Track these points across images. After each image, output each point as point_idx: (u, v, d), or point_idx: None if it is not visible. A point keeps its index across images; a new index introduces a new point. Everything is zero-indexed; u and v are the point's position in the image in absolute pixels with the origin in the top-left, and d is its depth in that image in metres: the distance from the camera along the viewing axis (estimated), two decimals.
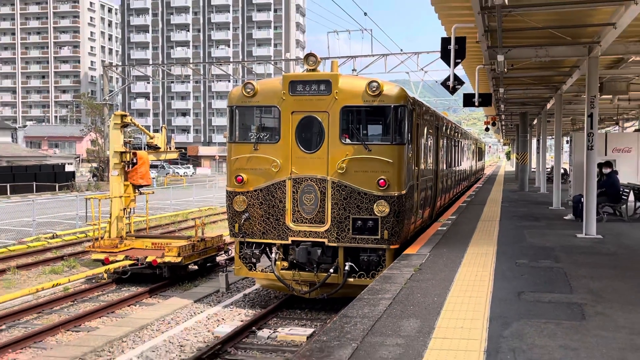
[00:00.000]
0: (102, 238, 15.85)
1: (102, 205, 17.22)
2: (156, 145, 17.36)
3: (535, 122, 36.05)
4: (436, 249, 11.64)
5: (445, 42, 11.04)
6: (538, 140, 33.28)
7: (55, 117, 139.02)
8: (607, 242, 12.73)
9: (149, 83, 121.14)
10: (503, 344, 5.88)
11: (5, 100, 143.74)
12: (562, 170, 26.76)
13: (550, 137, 43.18)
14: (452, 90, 11.68)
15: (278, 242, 12.13)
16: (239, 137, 12.50)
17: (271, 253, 12.30)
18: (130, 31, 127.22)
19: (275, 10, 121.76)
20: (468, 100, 15.50)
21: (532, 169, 43.57)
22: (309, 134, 12.09)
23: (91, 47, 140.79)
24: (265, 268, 12.46)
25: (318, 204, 11.85)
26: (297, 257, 11.84)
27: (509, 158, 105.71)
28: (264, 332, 10.85)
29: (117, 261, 14.70)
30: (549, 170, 35.19)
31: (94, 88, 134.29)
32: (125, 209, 16.29)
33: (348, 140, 11.80)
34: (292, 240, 12.01)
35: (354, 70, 13.78)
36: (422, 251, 11.50)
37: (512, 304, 7.43)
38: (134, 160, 16.33)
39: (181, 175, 76.19)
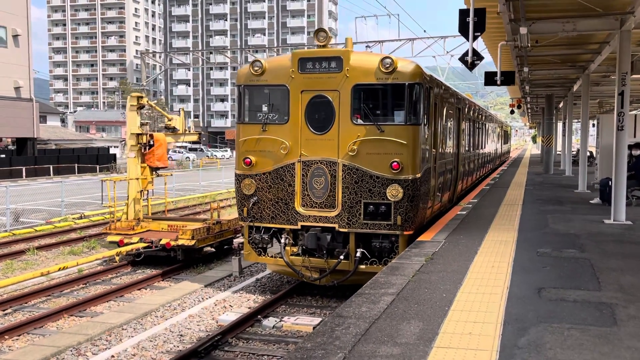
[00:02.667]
0: (118, 220, 15.00)
1: (124, 188, 16.38)
2: (174, 127, 16.37)
3: (561, 104, 34.09)
4: (452, 236, 10.41)
5: (463, 14, 9.71)
6: (564, 123, 31.38)
7: (103, 102, 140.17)
8: (639, 229, 11.30)
9: (189, 70, 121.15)
10: (518, 357, 4.69)
11: (57, 87, 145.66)
12: (587, 154, 25.01)
13: (575, 120, 41.09)
14: (471, 66, 10.34)
15: (287, 227, 11.05)
16: (247, 118, 11.41)
17: (281, 238, 11.24)
18: (171, 21, 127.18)
19: (308, 0, 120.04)
20: (490, 79, 14.02)
21: (557, 152, 41.63)
22: (319, 115, 10.91)
23: (136, 36, 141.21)
24: (277, 254, 11.40)
25: (328, 188, 10.71)
26: (306, 242, 10.75)
27: (534, 141, 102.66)
28: (270, 321, 9.80)
29: (131, 243, 13.83)
30: (574, 153, 33.30)
31: (138, 75, 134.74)
32: (142, 191, 15.38)
33: (360, 121, 10.60)
34: (301, 226, 10.92)
35: (367, 47, 12.39)
36: (437, 238, 10.28)
37: (531, 303, 6.20)
38: (151, 142, 15.38)
39: (218, 158, 75.62)
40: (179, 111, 17.06)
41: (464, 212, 13.54)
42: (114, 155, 57.47)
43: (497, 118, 35.24)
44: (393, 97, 10.69)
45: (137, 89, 55.37)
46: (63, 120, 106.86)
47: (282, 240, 11.13)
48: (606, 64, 17.06)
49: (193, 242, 13.64)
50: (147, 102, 15.52)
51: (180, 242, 13.67)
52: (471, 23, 9.60)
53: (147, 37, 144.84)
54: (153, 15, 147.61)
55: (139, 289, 12.36)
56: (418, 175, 10.47)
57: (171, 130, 16.43)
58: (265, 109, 11.39)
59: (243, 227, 11.64)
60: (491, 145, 28.62)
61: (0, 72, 44.36)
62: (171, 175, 17.00)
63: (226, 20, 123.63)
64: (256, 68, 11.06)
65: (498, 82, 13.60)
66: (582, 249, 9.21)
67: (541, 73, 20.34)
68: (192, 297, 11.48)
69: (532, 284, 6.95)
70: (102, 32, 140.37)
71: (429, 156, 11.49)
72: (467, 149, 18.04)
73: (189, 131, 17.28)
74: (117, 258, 13.16)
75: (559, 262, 8.23)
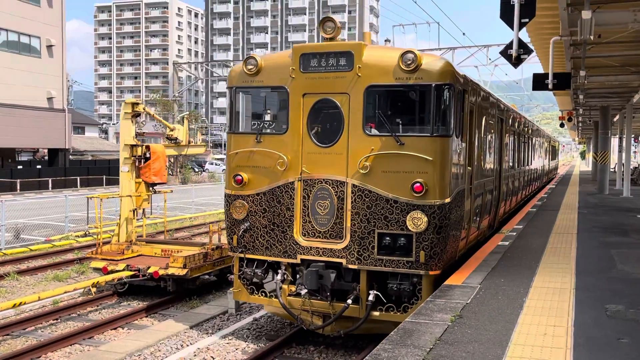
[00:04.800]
0: (107, 243, 13.19)
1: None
2: (176, 138, 14.52)
3: (616, 118, 31.09)
4: (490, 279, 8.12)
5: None
6: (620, 138, 28.47)
7: (146, 115, 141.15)
8: None
9: None
10: None
11: (102, 100, 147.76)
12: None
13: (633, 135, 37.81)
14: (516, 61, 8.06)
15: (284, 260, 8.95)
16: (239, 127, 9.41)
17: (277, 274, 9.15)
18: (213, 34, 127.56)
19: (349, 12, 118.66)
20: (539, 82, 11.54)
21: (611, 169, 38.43)
22: (324, 123, 8.87)
23: (178, 49, 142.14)
24: (272, 292, 9.30)
25: (334, 214, 8.58)
26: (305, 281, 8.60)
27: (583, 157, 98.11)
28: None
29: (116, 271, 11.96)
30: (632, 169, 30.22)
31: (180, 88, 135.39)
32: (136, 209, 13.52)
33: (374, 131, 8.47)
34: (301, 259, 8.81)
35: (387, 41, 10.38)
36: (470, 281, 8.01)
37: None
38: (147, 155, 13.56)
39: None
40: (182, 120, 15.23)
41: (506, 243, 11.21)
42: None
43: (545, 132, 32.47)
44: (416, 102, 8.53)
45: (169, 100, 54.41)
46: (105, 132, 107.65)
47: (278, 277, 9.04)
48: None
49: (185, 271, 11.66)
50: (144, 109, 13.73)
51: (170, 271, 11.71)
52: (517, 6, 7.38)
53: (189, 50, 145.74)
54: (196, 29, 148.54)
55: (115, 328, 10.43)
56: (447, 200, 8.24)
57: (173, 141, 14.58)
58: (261, 116, 9.39)
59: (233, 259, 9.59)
60: (538, 162, 25.97)
61: (33, 82, 43.90)
62: (171, 191, 15.12)
63: (267, 33, 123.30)
64: (250, 66, 9.05)
65: (550, 86, 11.15)
66: None
67: (597, 80, 17.76)
68: (170, 343, 9.45)
69: None
70: (145, 45, 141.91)
71: (463, 175, 9.26)
72: (510, 165, 15.66)
73: (195, 142, 15.42)
74: (93, 290, 11.26)
75: None
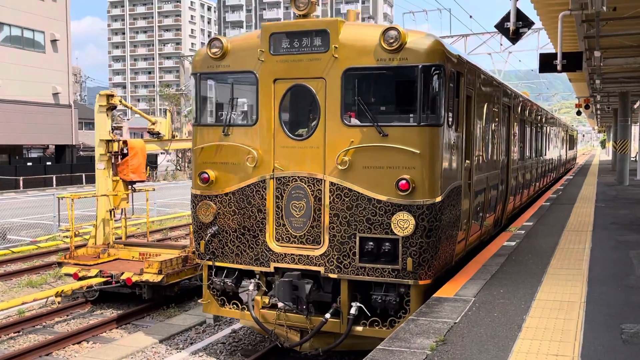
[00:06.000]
0: (82, 246, 12.29)
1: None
2: (158, 132, 13.56)
3: (637, 105, 29.58)
4: (488, 289, 7.03)
5: None
6: None
7: (160, 109, 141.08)
8: None
9: None
10: None
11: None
12: None
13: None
14: (514, 35, 6.92)
15: (256, 268, 7.94)
16: (204, 118, 8.40)
17: (250, 283, 8.14)
18: (225, 27, 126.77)
19: (363, 2, 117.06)
20: (547, 63, 10.21)
21: (631, 158, 36.90)
22: (298, 112, 7.85)
23: (192, 43, 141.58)
24: (245, 304, 8.30)
25: (311, 216, 7.54)
26: (277, 293, 7.59)
27: (603, 147, 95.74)
28: None
29: (87, 277, 11.05)
30: None
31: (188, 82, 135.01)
32: (113, 209, 12.59)
33: (354, 121, 7.41)
34: (275, 268, 7.79)
35: (370, 18, 9.28)
36: (464, 292, 6.94)
37: None
38: (124, 151, 12.63)
39: None
40: (165, 113, 14.26)
41: (513, 244, 10.08)
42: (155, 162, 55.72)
43: (561, 121, 31.03)
44: (401, 86, 7.45)
45: (175, 94, 53.63)
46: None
47: (250, 288, 8.04)
48: None
49: (160, 277, 10.70)
50: (121, 101, 12.80)
51: (145, 277, 10.77)
52: None
53: (202, 43, 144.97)
54: (209, 23, 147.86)
55: (79, 342, 9.50)
56: (438, 199, 7.16)
57: (155, 135, 13.63)
58: (228, 106, 8.35)
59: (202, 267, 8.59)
60: (553, 152, 24.63)
61: (38, 78, 43.29)
62: (153, 190, 14.20)
63: None
64: (215, 49, 8.01)
65: (558, 67, 9.87)
66: None
67: (615, 63, 16.43)
68: None
69: None
70: (159, 40, 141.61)
71: (459, 169, 8.16)
72: (520, 157, 14.47)
73: (180, 137, 14.43)
74: (57, 300, 10.33)
75: None
